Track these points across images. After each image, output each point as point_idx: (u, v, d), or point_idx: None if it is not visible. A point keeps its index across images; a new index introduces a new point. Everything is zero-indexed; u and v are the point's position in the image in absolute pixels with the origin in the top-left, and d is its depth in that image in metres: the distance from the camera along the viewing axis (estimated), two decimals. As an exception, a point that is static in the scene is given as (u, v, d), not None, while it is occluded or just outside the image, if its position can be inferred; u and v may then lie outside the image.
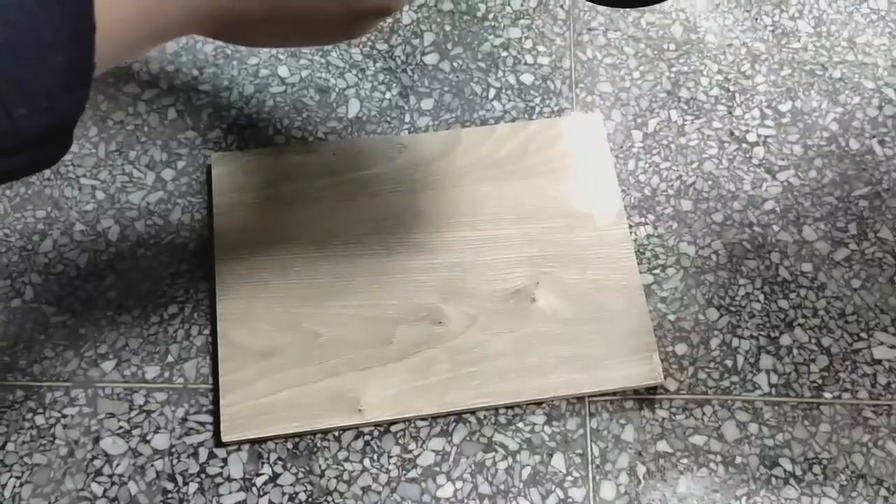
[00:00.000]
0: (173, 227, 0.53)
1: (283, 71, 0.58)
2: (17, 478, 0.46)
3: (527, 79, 0.58)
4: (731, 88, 0.58)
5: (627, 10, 0.60)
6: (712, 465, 0.47)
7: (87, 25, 0.26)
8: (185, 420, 0.48)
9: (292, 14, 0.33)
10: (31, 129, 0.26)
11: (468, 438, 0.48)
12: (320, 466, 0.47)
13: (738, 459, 0.47)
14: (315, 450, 0.47)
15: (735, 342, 0.50)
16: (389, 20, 0.60)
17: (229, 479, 0.46)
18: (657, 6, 0.61)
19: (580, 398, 0.49)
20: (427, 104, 0.57)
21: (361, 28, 0.36)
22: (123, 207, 0.53)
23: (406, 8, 0.60)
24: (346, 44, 0.59)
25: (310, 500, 0.46)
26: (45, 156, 0.28)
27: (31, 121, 0.26)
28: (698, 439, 0.48)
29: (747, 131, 0.57)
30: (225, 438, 0.46)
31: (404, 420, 0.48)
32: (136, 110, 0.56)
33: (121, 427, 0.47)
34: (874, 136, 0.57)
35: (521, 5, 0.61)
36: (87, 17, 0.26)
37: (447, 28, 0.60)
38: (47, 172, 0.54)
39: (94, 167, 0.54)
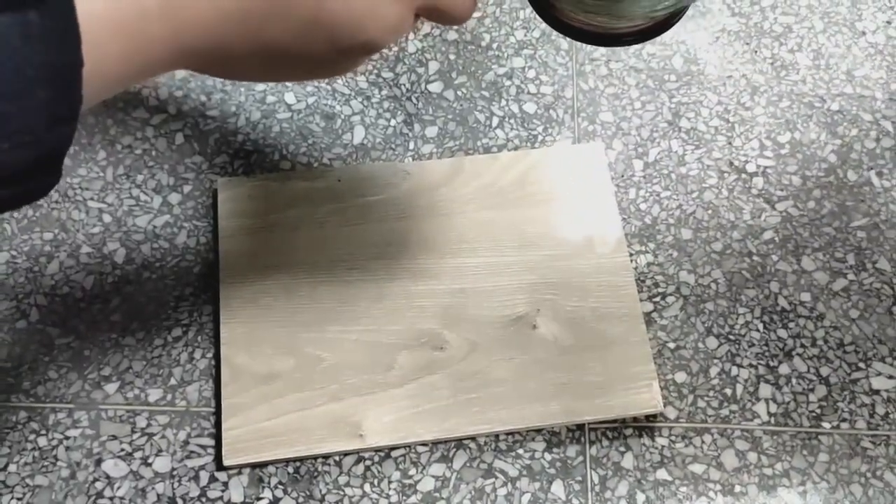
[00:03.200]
0: (179, 251, 0.53)
1: (289, 97, 0.59)
2: (19, 499, 0.46)
3: (530, 108, 0.59)
4: (731, 119, 0.59)
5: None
6: (711, 493, 0.47)
7: (73, 60, 0.26)
8: (186, 443, 0.48)
9: (278, 52, 0.33)
10: (15, 162, 0.26)
11: (468, 464, 0.48)
12: (321, 491, 0.47)
13: (738, 488, 0.48)
14: (316, 474, 0.47)
15: (734, 371, 0.51)
16: (395, 49, 0.61)
17: None
18: (658, 37, 0.62)
19: (580, 425, 0.49)
20: (431, 132, 0.58)
21: (349, 65, 0.36)
22: (130, 230, 0.54)
23: (411, 37, 0.61)
24: (352, 72, 0.60)
25: (310, 524, 0.46)
26: (32, 188, 0.28)
27: (14, 154, 0.26)
28: (697, 468, 0.48)
29: (747, 162, 0.57)
30: (226, 462, 0.46)
31: (405, 445, 0.48)
32: (144, 135, 0.57)
33: (123, 449, 0.48)
34: (872, 168, 0.57)
35: (525, 36, 0.62)
36: (73, 52, 0.26)
37: (452, 57, 0.61)
38: (55, 195, 0.55)
39: (102, 190, 0.55)
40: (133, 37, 0.29)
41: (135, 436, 0.48)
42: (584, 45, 0.61)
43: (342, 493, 0.47)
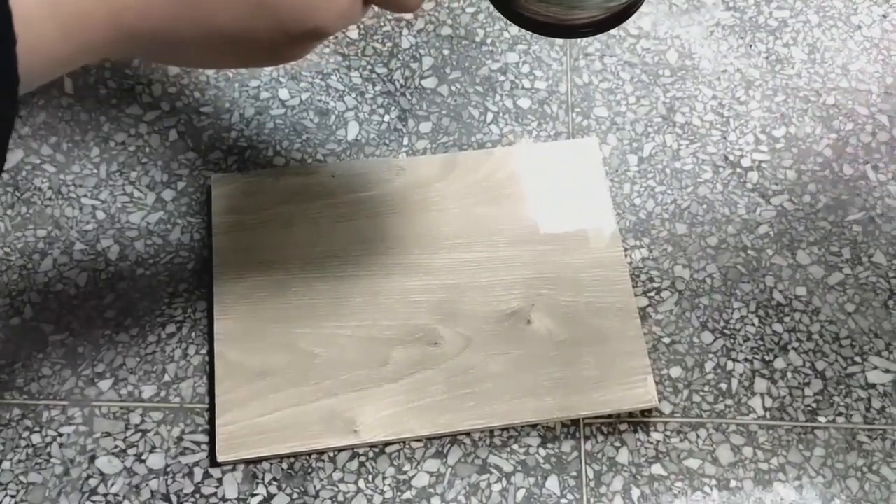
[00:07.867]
0: (172, 247, 0.53)
1: (283, 93, 0.59)
2: (13, 496, 0.46)
3: (524, 103, 0.59)
4: (726, 114, 0.59)
5: (621, 35, 0.61)
6: (707, 488, 0.47)
7: (4, 38, 0.25)
8: (180, 439, 0.48)
9: (222, 37, 0.32)
10: None
11: (463, 460, 0.48)
12: (315, 487, 0.47)
13: (733, 483, 0.48)
14: (310, 470, 0.47)
15: (729, 365, 0.51)
16: (388, 44, 0.61)
17: (224, 500, 0.46)
18: (652, 32, 0.61)
19: (575, 420, 0.49)
20: (425, 127, 0.58)
21: (297, 51, 0.35)
22: (124, 227, 0.54)
23: (405, 32, 0.61)
24: (346, 67, 0.60)
25: (304, 520, 0.46)
26: None
27: None
28: (693, 462, 0.48)
29: (742, 156, 0.57)
30: (220, 458, 0.46)
31: (399, 441, 0.48)
32: (137, 131, 0.57)
33: (116, 446, 0.48)
34: (868, 162, 0.57)
35: (519, 31, 0.62)
36: (4, 30, 0.25)
37: (446, 52, 0.61)
38: (49, 192, 0.54)
39: (96, 187, 0.55)
40: (69, 15, 0.28)
41: (129, 432, 0.48)
42: (578, 40, 0.61)
43: (336, 488, 0.47)
